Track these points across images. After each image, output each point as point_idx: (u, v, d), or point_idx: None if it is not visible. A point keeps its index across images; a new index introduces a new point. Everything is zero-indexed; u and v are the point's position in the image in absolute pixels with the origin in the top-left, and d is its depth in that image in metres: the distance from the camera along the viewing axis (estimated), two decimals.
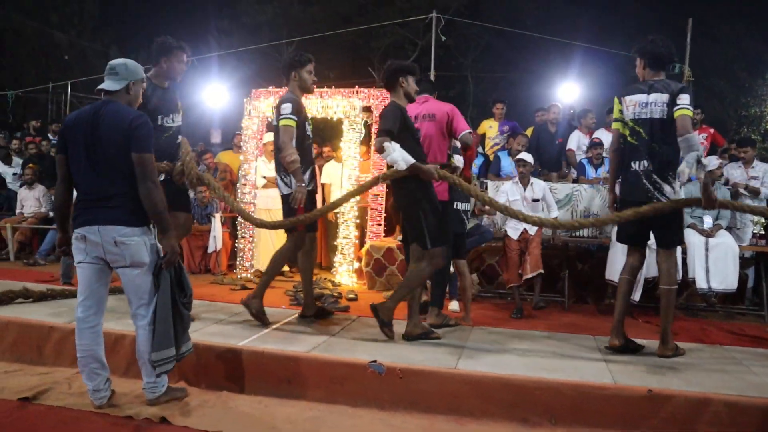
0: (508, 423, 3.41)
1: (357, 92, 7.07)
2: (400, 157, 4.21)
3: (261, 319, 4.69)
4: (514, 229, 5.93)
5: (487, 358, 3.96)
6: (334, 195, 7.44)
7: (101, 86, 3.50)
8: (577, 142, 7.97)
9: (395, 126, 4.28)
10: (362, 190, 4.50)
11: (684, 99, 3.98)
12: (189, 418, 3.36)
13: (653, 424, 3.32)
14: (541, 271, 5.80)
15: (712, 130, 7.79)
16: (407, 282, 4.47)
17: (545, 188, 6.13)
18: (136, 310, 3.49)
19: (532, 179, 6.09)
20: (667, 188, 4.08)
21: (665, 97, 4.04)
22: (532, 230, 5.84)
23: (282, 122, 4.66)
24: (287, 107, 4.68)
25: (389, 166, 4.42)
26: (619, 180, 4.39)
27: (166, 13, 21.68)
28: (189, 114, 14.95)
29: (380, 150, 4.24)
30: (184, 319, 3.58)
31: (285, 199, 4.79)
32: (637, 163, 4.13)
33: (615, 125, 4.32)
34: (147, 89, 4.40)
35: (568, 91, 11.10)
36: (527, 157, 6.07)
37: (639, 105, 4.12)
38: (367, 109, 7.17)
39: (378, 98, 7.03)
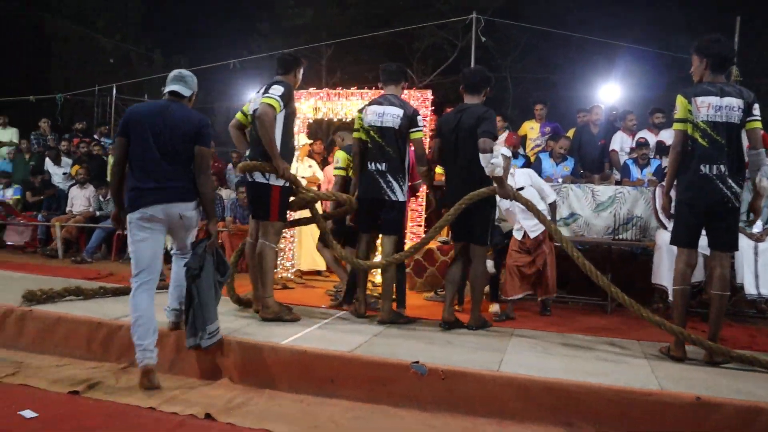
0: (552, 427, 3.36)
1: None
2: (501, 163, 4.42)
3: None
4: (517, 230, 5.61)
5: (530, 360, 3.92)
6: None
7: (173, 88, 4.05)
8: (620, 143, 7.85)
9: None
10: (456, 213, 4.58)
11: (757, 109, 4.00)
12: (233, 415, 3.40)
13: None
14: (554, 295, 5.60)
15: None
16: (480, 282, 4.88)
17: (530, 174, 5.71)
18: (182, 249, 4.20)
19: (514, 170, 5.64)
20: (739, 192, 4.01)
21: (740, 102, 3.97)
22: (532, 233, 5.46)
23: (419, 135, 4.92)
24: (421, 120, 4.98)
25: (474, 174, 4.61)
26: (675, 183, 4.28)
27: (207, 18, 22.07)
28: (231, 116, 15.21)
29: (488, 150, 4.37)
30: (217, 297, 4.13)
31: (394, 205, 4.93)
32: (709, 166, 3.98)
33: (680, 126, 4.12)
34: (291, 93, 4.72)
35: (609, 91, 10.95)
36: (502, 151, 5.73)
37: (712, 107, 3.98)
38: None
39: (418, 99, 7.02)
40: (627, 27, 15.73)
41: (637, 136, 7.61)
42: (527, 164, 7.69)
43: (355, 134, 5.12)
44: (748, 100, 3.99)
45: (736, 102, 3.97)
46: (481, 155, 4.40)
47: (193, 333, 3.96)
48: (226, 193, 8.70)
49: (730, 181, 3.96)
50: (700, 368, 3.93)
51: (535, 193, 5.45)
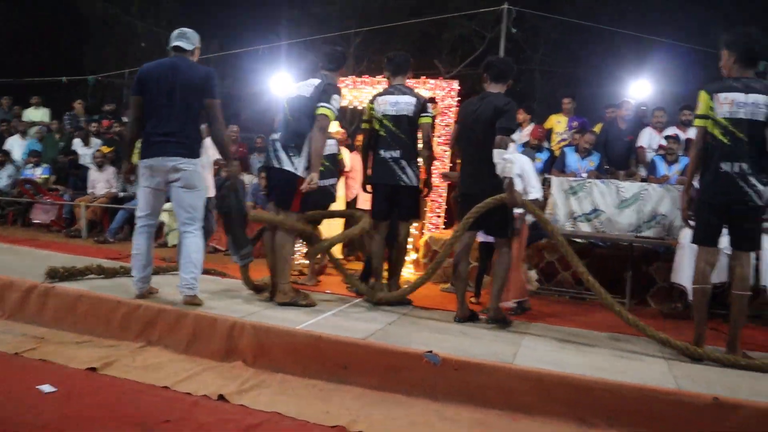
0: (564, 421, 3.32)
1: (424, 83, 7.04)
2: (514, 161, 4.39)
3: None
4: None
5: (545, 354, 3.89)
6: None
7: (177, 43, 4.42)
8: (648, 139, 7.72)
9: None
10: (465, 228, 4.59)
11: None
12: (245, 397, 3.41)
13: None
14: (526, 299, 5.33)
15: None
16: (502, 272, 4.72)
17: (523, 163, 5.36)
18: (185, 220, 4.40)
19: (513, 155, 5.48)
20: (763, 190, 3.90)
21: (767, 99, 3.85)
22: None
23: (428, 120, 5.09)
24: (430, 107, 5.17)
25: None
26: (696, 181, 4.19)
27: (239, 3, 22.12)
28: (256, 102, 15.24)
29: (503, 147, 4.29)
30: (245, 224, 4.90)
31: (409, 191, 5.03)
32: (730, 164, 3.89)
33: (700, 122, 4.04)
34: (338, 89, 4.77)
35: (640, 87, 10.76)
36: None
37: (735, 104, 3.88)
38: (431, 101, 7.12)
39: (444, 89, 6.99)
40: (660, 22, 15.42)
41: (665, 132, 7.48)
42: (552, 158, 7.61)
43: (365, 125, 5.19)
44: None
45: (762, 99, 3.84)
46: (494, 150, 4.32)
47: (234, 253, 4.86)
48: (248, 179, 8.74)
49: (752, 179, 3.86)
50: (718, 368, 3.85)
51: (519, 184, 5.18)
